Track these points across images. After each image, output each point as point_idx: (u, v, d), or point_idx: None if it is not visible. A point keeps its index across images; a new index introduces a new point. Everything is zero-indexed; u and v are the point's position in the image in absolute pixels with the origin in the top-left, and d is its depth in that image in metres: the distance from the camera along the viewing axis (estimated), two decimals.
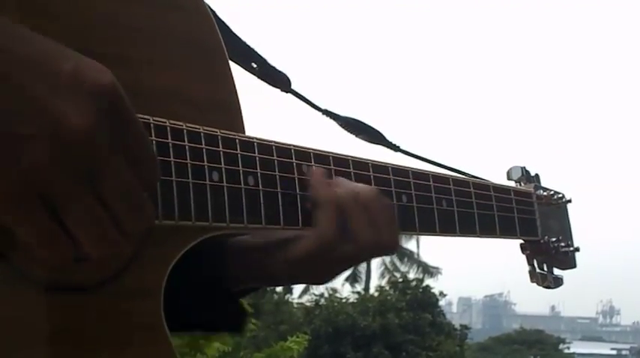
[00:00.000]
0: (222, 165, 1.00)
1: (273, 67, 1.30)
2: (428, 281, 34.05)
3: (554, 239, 1.56)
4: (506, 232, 1.45)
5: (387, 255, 1.19)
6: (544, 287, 1.59)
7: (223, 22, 1.18)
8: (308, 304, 29.90)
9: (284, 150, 1.10)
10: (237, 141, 1.03)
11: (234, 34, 1.22)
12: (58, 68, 0.72)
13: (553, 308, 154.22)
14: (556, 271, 1.62)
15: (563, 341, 53.84)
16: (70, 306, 0.88)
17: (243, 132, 1.07)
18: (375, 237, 1.12)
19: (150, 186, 0.79)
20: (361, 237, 1.11)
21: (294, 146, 1.11)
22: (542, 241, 1.55)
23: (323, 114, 1.38)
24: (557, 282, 1.60)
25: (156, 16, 1.01)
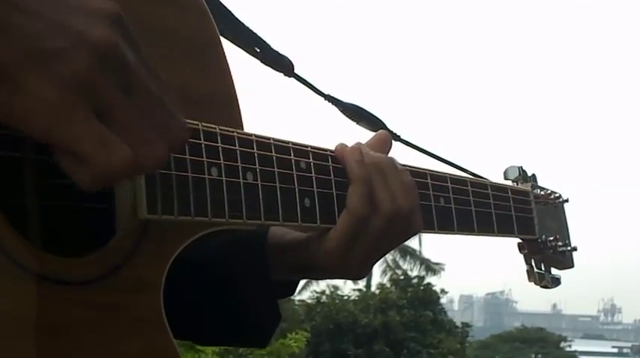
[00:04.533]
0: (222, 161, 1.00)
1: (277, 52, 1.29)
2: (431, 279, 34.11)
3: (551, 238, 1.55)
4: (504, 230, 1.45)
5: (413, 231, 1.19)
6: (541, 286, 1.59)
7: (226, 7, 1.18)
8: (309, 301, 29.90)
9: (282, 147, 1.10)
10: (235, 137, 1.03)
11: (237, 19, 1.22)
12: None
13: (554, 306, 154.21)
14: (554, 271, 1.61)
15: (564, 339, 53.83)
16: (70, 300, 0.88)
17: (242, 128, 1.07)
18: (393, 203, 1.13)
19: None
20: (382, 205, 1.12)
21: (292, 143, 1.11)
22: (539, 240, 1.54)
23: (325, 99, 1.38)
24: (555, 282, 1.60)
25: (152, 12, 1.01)
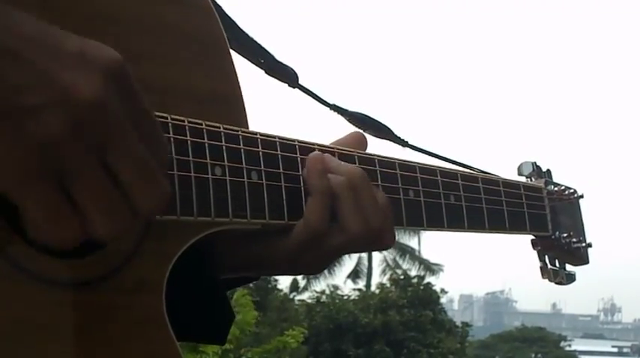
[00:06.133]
0: (225, 161, 0.99)
1: (281, 62, 1.29)
2: (429, 279, 34.14)
3: (565, 234, 1.55)
4: (516, 227, 1.44)
5: (381, 248, 1.17)
6: (556, 283, 1.59)
7: (230, 17, 1.18)
8: (309, 301, 29.93)
9: (288, 145, 1.09)
10: (240, 136, 1.02)
11: (242, 29, 1.22)
12: (65, 44, 0.72)
13: (554, 305, 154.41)
14: (568, 267, 1.61)
15: (564, 339, 53.96)
16: (71, 301, 0.88)
17: (247, 127, 1.06)
18: (364, 225, 1.09)
19: (161, 162, 0.77)
20: (350, 227, 1.09)
21: (298, 141, 1.11)
22: (553, 237, 1.54)
23: (330, 109, 1.37)
24: (570, 278, 1.59)
25: (157, 9, 1.01)
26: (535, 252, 1.59)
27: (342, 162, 1.12)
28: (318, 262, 1.14)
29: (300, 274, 1.22)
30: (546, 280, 1.59)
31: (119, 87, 0.73)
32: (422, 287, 29.73)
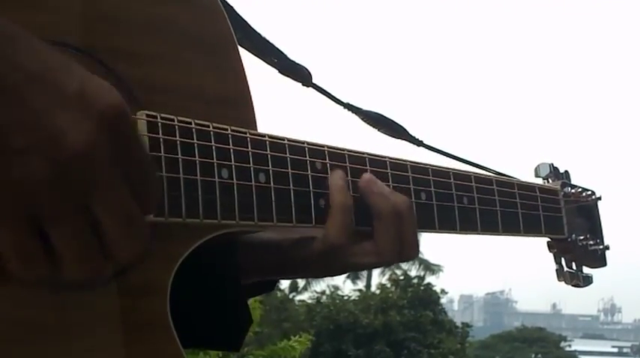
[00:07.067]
0: (232, 163, 0.98)
1: (294, 62, 1.28)
2: (429, 279, 34.22)
3: (582, 237, 1.54)
4: (531, 230, 1.43)
5: (406, 261, 1.21)
6: (572, 285, 1.57)
7: (242, 17, 1.18)
8: (309, 302, 29.96)
9: (297, 147, 1.08)
10: (248, 138, 1.01)
11: (254, 29, 1.21)
12: (64, 83, 0.69)
13: (554, 305, 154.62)
14: (585, 269, 1.60)
15: (564, 339, 54.08)
16: (75, 304, 0.87)
17: (255, 128, 1.06)
18: (398, 249, 1.14)
19: (147, 210, 0.76)
20: (386, 250, 1.14)
21: (307, 143, 1.10)
22: (569, 239, 1.53)
23: (345, 108, 1.37)
24: (587, 280, 1.58)
25: (165, 10, 1.00)
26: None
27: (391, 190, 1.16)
28: (346, 268, 1.19)
29: (335, 275, 1.29)
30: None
31: (114, 134, 0.71)
32: (422, 288, 29.78)
